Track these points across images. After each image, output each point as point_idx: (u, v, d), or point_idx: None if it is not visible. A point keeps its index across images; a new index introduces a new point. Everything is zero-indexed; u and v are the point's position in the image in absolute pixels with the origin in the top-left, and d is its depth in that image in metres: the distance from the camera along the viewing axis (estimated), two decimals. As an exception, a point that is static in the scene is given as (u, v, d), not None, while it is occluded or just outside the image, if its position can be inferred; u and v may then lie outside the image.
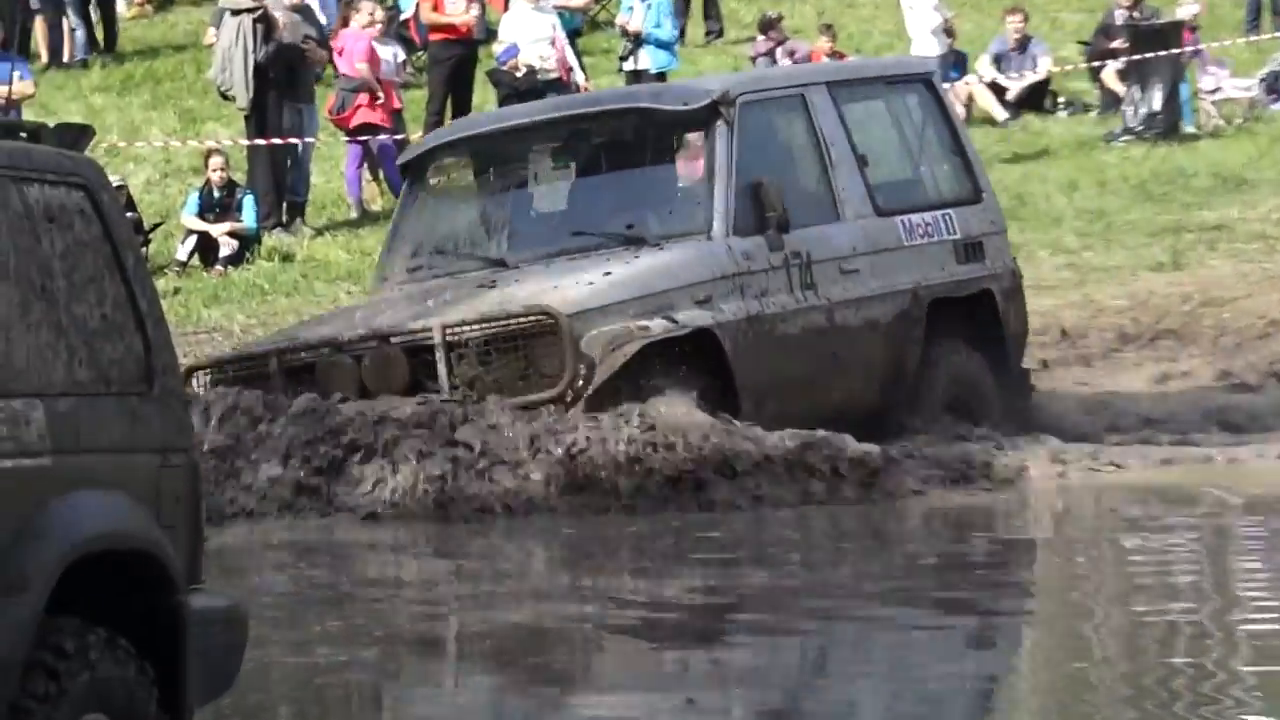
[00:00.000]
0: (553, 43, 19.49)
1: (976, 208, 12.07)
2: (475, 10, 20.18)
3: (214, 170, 18.65)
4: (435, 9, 20.21)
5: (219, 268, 18.31)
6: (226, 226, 18.33)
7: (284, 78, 18.52)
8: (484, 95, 20.95)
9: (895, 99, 12.17)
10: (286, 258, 18.84)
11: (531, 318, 10.39)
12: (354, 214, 20.30)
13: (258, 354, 11.09)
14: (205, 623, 6.75)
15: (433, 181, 12.10)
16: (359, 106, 19.36)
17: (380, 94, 19.26)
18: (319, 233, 19.93)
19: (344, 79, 19.38)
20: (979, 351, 11.62)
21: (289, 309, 17.51)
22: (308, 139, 19.61)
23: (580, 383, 10.35)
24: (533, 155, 12.00)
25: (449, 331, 10.41)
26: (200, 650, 6.68)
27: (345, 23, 20.63)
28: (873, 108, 12.34)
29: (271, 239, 18.96)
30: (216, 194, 18.54)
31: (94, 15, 23.98)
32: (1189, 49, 22.24)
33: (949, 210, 11.84)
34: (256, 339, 11.76)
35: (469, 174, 12.30)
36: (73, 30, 23.72)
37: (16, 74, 17.79)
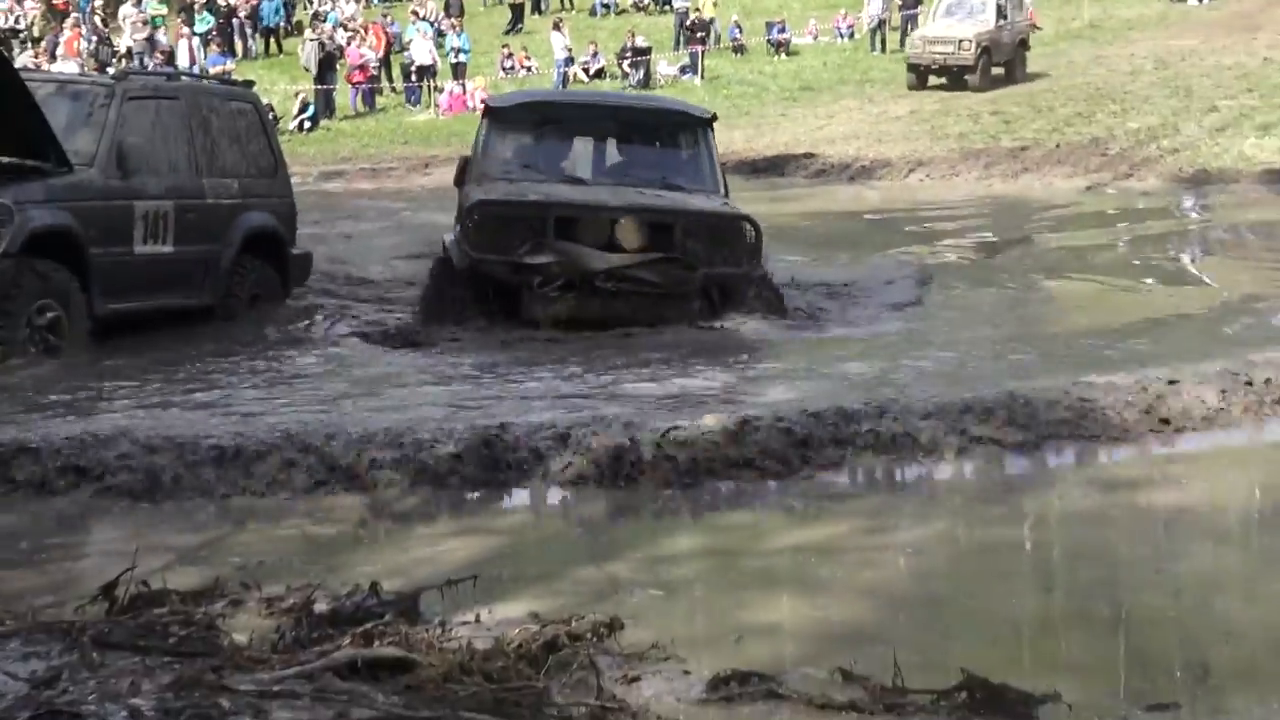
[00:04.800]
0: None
1: None
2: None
3: (300, 96, 32.63)
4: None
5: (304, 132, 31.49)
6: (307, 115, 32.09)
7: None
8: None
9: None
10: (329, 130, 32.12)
11: (738, 220, 11.16)
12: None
13: (536, 204, 10.94)
14: (296, 259, 12.17)
15: (515, 124, 12.29)
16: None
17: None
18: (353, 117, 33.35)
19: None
20: None
21: (317, 156, 28.54)
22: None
23: (757, 267, 11.13)
24: (588, 121, 12.55)
25: (684, 216, 11.01)
26: (295, 268, 12.14)
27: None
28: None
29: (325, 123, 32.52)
30: (303, 106, 32.43)
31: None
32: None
33: None
34: (519, 193, 11.30)
35: (541, 124, 12.45)
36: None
37: (229, 63, 32.54)
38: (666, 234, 10.90)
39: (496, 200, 10.95)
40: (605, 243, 10.83)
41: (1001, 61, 32.96)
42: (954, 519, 6.64)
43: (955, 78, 32.26)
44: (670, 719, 4.25)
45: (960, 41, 32.32)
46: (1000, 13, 33.15)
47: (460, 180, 11.73)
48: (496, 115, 12.36)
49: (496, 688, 4.18)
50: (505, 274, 10.76)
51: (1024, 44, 34.06)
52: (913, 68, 33.11)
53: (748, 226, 11.06)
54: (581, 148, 12.31)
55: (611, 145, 12.43)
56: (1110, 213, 20.16)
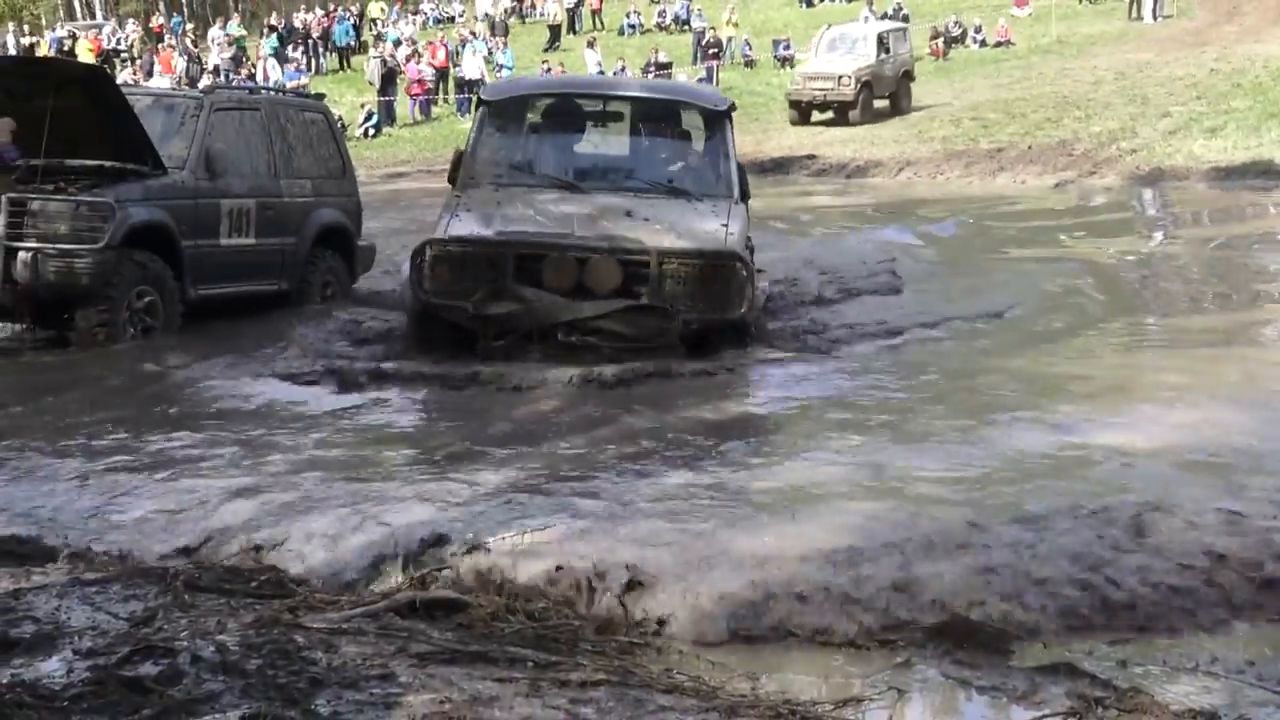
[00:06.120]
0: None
1: None
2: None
3: (365, 107, 32.39)
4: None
5: (369, 138, 31.16)
6: (371, 123, 31.79)
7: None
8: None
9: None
10: (390, 136, 31.80)
11: (724, 258, 8.52)
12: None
13: (493, 242, 8.52)
14: (362, 250, 11.94)
15: (509, 117, 9.90)
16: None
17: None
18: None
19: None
20: None
21: (380, 159, 28.01)
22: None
23: (749, 309, 8.55)
24: (590, 114, 10.22)
25: (662, 255, 8.50)
26: (361, 258, 11.90)
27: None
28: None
29: (387, 130, 32.36)
30: (368, 115, 32.22)
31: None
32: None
33: None
34: (478, 228, 8.69)
35: (538, 117, 10.09)
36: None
37: (303, 78, 32.33)
38: (643, 273, 8.51)
39: (449, 239, 8.57)
40: (573, 284, 8.48)
41: (885, 94, 29.83)
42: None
43: (839, 112, 29.20)
44: (691, 653, 4.20)
45: (840, 77, 29.17)
46: (882, 47, 30.18)
47: (454, 178, 9.45)
48: (490, 108, 9.83)
49: (538, 625, 4.16)
50: (461, 319, 8.52)
51: (908, 75, 30.77)
52: (794, 104, 29.57)
53: (738, 266, 8.47)
54: (580, 144, 9.98)
55: (615, 141, 10.06)
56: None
